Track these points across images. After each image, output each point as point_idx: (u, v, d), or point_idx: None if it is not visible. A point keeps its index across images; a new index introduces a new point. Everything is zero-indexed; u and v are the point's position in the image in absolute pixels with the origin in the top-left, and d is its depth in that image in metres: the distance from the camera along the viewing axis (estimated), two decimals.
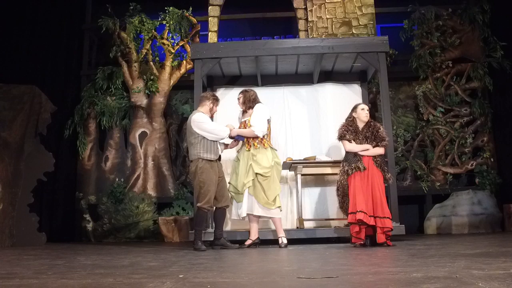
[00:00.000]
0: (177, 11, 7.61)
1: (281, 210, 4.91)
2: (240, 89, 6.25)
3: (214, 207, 4.80)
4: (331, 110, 6.18)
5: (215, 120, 5.85)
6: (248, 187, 4.73)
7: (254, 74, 6.31)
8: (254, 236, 4.85)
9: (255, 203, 4.73)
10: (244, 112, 5.09)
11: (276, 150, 5.00)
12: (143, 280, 2.19)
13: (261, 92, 6.22)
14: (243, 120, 5.04)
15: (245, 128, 4.89)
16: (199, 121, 4.71)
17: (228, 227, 5.73)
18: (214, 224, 4.94)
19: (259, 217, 4.85)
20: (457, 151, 7.18)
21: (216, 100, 4.95)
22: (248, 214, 4.77)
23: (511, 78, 7.05)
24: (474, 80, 7.34)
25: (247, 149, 4.84)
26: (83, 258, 3.69)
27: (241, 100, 5.03)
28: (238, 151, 5.04)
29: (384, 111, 5.52)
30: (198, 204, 4.59)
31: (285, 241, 4.77)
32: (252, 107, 4.97)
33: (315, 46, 5.65)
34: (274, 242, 5.06)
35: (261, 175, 4.71)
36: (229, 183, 4.94)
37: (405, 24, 7.49)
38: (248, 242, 4.83)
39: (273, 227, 5.21)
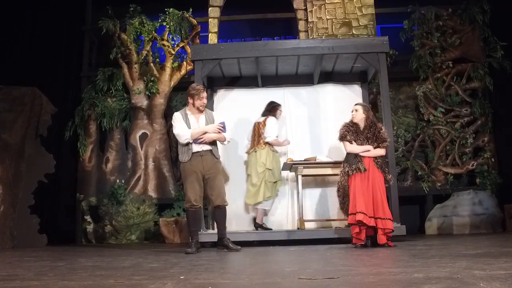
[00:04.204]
0: (177, 12, 7.62)
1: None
2: (240, 90, 6.33)
3: (213, 207, 4.67)
4: (332, 111, 6.18)
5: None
6: None
7: (254, 75, 6.30)
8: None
9: None
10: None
11: None
12: (144, 281, 2.19)
13: (262, 93, 6.29)
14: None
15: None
16: (172, 121, 4.53)
17: (232, 227, 5.68)
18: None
19: None
20: (458, 151, 7.17)
21: (196, 91, 4.44)
22: None
23: (511, 78, 7.05)
24: (475, 80, 7.33)
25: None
26: (84, 259, 3.69)
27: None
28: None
29: (384, 111, 5.51)
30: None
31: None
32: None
33: (315, 47, 5.65)
34: (275, 242, 5.07)
35: None
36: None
37: (405, 25, 7.48)
38: None
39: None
